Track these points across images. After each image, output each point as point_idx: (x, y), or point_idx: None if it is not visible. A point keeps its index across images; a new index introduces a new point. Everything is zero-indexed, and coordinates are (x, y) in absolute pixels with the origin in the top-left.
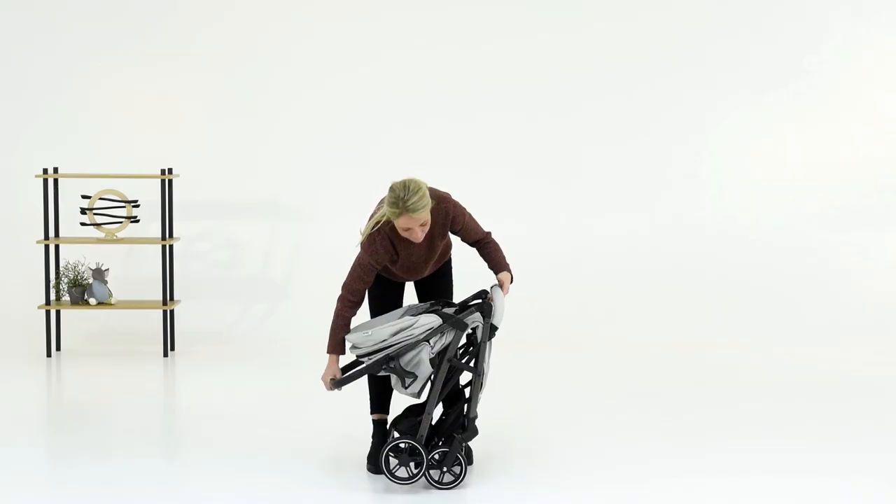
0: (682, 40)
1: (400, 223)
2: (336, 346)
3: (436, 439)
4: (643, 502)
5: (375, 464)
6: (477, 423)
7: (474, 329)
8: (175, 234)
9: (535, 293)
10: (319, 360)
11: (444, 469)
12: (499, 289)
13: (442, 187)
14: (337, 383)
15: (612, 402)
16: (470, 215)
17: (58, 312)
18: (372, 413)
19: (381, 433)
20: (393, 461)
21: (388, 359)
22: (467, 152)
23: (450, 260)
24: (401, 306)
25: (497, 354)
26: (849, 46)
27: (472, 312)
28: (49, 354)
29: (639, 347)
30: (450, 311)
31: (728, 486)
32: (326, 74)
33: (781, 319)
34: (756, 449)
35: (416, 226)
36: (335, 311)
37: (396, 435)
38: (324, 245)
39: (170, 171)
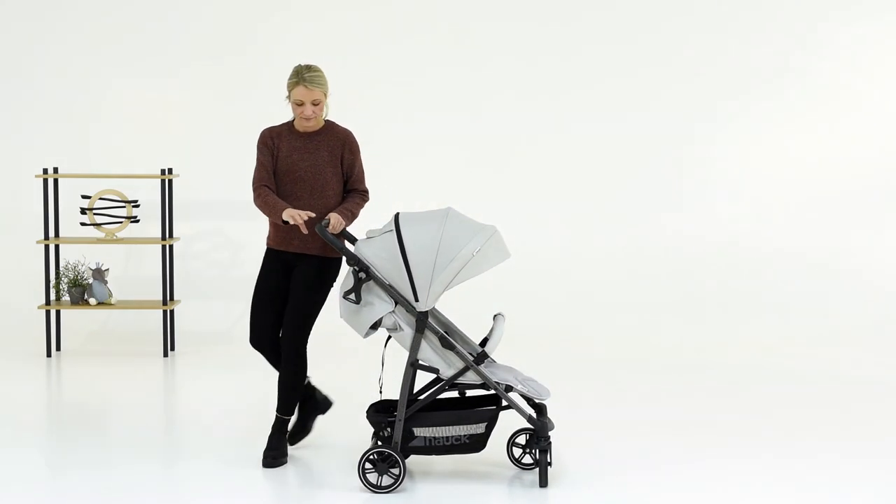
0: (677, 46)
1: (295, 94)
2: (285, 206)
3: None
4: (643, 501)
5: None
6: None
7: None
8: (175, 234)
9: (535, 295)
10: (319, 360)
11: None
12: (502, 319)
13: (439, 186)
14: (311, 222)
15: (611, 402)
16: (362, 167)
17: (58, 312)
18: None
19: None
20: (372, 475)
21: (364, 270)
22: (466, 152)
23: (330, 278)
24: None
25: (499, 355)
26: (847, 47)
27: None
28: (49, 354)
29: (639, 348)
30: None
31: (730, 487)
32: (327, 75)
33: (782, 320)
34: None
35: (308, 101)
36: (261, 199)
37: (379, 444)
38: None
39: (170, 171)
